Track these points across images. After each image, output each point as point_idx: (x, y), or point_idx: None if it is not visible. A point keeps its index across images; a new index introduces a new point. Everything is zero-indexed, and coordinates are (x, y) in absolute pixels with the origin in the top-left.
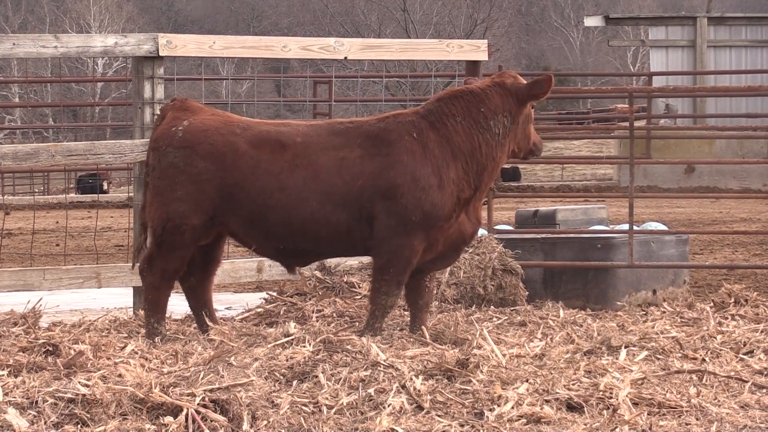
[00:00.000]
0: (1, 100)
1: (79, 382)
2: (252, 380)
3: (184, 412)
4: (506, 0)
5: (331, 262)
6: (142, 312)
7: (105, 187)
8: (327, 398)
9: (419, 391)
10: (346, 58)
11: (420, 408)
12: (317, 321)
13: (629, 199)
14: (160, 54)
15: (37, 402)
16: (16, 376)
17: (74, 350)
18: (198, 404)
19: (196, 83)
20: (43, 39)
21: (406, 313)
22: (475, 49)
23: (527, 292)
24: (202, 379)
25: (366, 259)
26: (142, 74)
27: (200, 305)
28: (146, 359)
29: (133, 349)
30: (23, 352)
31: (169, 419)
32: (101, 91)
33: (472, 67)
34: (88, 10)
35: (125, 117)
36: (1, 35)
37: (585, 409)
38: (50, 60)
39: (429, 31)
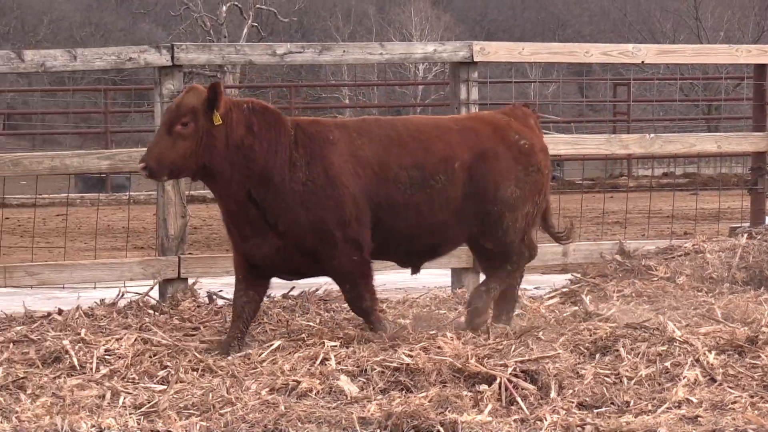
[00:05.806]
0: (334, 101)
1: (404, 353)
2: (558, 353)
3: (497, 381)
4: None
5: (631, 246)
6: (459, 291)
7: None
8: (627, 370)
9: (712, 365)
10: (643, 62)
11: (713, 380)
12: (617, 300)
13: None
14: (474, 60)
15: (365, 370)
16: (347, 347)
17: (397, 324)
18: (510, 374)
19: (507, 86)
20: (369, 47)
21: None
22: (762, 53)
23: None
24: (514, 351)
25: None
26: (458, 78)
27: None
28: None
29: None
30: (353, 327)
31: (484, 387)
32: (421, 93)
33: (760, 69)
34: (410, 20)
35: None
36: (333, 44)
37: None
38: (376, 65)
39: (719, 37)
